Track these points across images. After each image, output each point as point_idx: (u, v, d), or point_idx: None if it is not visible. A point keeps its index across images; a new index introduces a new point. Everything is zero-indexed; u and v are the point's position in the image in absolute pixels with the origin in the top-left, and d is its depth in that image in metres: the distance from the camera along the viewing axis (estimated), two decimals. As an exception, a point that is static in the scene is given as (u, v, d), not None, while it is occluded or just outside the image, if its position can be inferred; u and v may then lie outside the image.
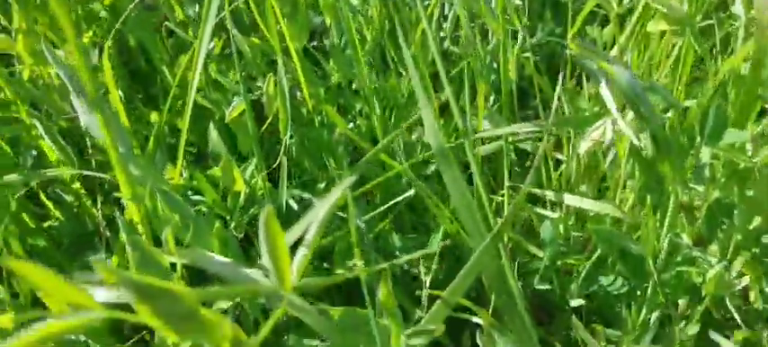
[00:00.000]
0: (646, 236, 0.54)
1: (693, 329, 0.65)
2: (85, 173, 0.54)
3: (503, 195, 0.64)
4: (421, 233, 0.69)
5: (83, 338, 0.51)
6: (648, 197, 0.54)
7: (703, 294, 0.60)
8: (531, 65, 0.70)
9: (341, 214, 0.61)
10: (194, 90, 0.50)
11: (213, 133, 0.56)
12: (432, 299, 0.66)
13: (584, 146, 0.57)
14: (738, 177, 0.56)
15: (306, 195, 0.58)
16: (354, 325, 0.48)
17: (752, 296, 0.64)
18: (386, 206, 0.57)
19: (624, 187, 0.59)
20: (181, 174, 0.53)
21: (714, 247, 0.62)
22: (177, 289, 0.28)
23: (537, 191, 0.63)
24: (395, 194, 0.65)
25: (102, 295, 0.32)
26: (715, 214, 0.60)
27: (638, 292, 0.64)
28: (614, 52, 0.67)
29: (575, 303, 0.68)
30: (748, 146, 0.51)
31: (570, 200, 0.60)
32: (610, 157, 0.59)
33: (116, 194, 0.57)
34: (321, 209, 0.35)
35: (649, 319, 0.65)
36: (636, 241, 0.57)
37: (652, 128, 0.52)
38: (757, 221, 0.61)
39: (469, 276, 0.44)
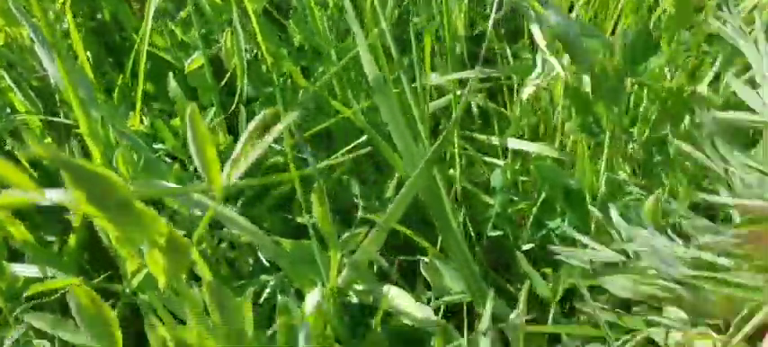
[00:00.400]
0: (581, 171, 0.57)
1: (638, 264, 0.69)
2: (51, 119, 0.57)
3: (454, 146, 0.67)
4: (380, 183, 0.72)
5: (51, 273, 0.54)
6: (583, 134, 0.57)
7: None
8: (486, 24, 0.73)
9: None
10: (148, 31, 0.53)
11: (172, 82, 0.59)
12: (394, 250, 0.70)
13: (526, 91, 0.61)
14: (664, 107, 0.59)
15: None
16: (301, 255, 0.52)
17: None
18: (341, 152, 0.61)
19: (563, 129, 0.62)
20: (142, 122, 0.57)
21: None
22: (113, 177, 0.32)
23: (482, 137, 0.66)
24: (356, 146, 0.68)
25: (52, 195, 0.35)
26: (650, 149, 0.64)
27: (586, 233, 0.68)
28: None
29: (526, 247, 0.71)
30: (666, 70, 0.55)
31: (513, 143, 0.63)
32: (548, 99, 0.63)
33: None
34: (251, 126, 0.38)
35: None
36: (575, 177, 0.60)
37: (583, 65, 0.55)
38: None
39: (404, 200, 0.48)
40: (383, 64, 0.54)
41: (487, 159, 0.69)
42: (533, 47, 0.71)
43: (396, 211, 0.48)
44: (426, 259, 0.59)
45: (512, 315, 0.47)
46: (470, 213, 0.77)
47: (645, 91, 0.55)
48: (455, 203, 0.73)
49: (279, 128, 0.40)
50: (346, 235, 0.45)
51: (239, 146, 0.37)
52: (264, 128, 0.39)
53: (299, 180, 0.52)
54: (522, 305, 0.47)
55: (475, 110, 0.79)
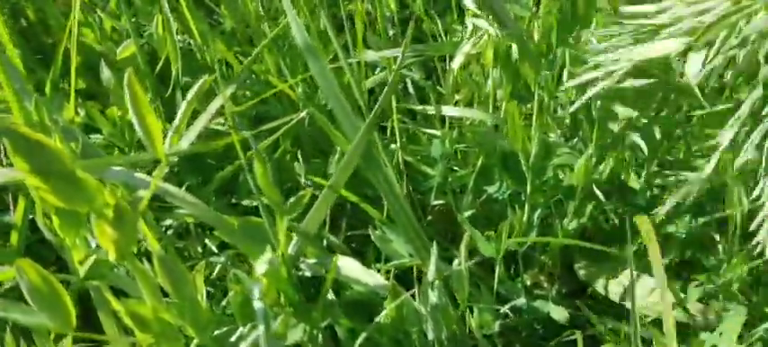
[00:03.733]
0: (513, 135, 0.60)
1: (573, 224, 0.72)
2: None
3: (393, 119, 0.69)
4: (324, 163, 0.73)
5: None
6: (513, 100, 0.60)
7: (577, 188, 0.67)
8: (416, 4, 0.75)
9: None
10: (76, 21, 0.52)
11: (105, 70, 0.59)
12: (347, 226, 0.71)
13: (456, 60, 0.63)
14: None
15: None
16: (250, 230, 0.53)
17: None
18: (278, 122, 0.61)
19: (495, 96, 0.65)
20: (77, 113, 0.56)
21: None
22: (56, 147, 0.32)
23: (418, 107, 0.68)
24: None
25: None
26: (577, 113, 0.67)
27: (521, 195, 0.71)
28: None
29: (467, 213, 0.74)
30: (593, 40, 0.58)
31: (447, 110, 0.65)
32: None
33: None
34: (190, 95, 0.39)
35: (533, 219, 0.71)
36: (507, 139, 0.63)
37: (508, 31, 0.58)
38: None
39: (348, 166, 0.49)
40: (315, 40, 0.56)
41: (427, 130, 0.71)
42: (463, 22, 0.73)
43: (340, 178, 0.49)
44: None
45: (454, 264, 0.49)
46: (414, 185, 0.79)
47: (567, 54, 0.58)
48: (398, 175, 0.74)
49: (219, 100, 0.41)
50: (292, 200, 0.46)
51: (179, 114, 0.37)
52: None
53: (262, 168, 0.52)
54: (463, 255, 0.49)
55: (413, 89, 0.81)
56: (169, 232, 0.64)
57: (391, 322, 0.57)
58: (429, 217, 0.79)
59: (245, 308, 0.46)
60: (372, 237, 0.57)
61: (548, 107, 0.66)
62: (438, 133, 0.69)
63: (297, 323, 0.48)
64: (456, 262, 0.50)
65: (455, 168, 0.76)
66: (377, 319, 0.52)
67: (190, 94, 0.38)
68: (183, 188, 0.65)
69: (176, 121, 0.36)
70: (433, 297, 0.50)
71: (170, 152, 0.35)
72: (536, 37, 0.60)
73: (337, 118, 0.51)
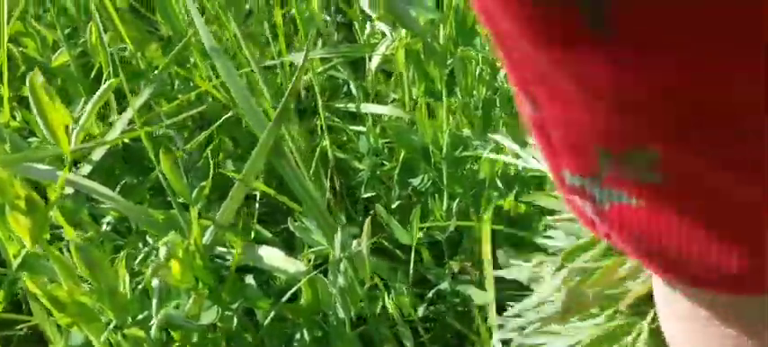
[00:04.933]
0: (422, 129, 0.65)
1: (488, 212, 0.77)
2: None
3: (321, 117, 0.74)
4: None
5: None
6: (424, 97, 0.65)
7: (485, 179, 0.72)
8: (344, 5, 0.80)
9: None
10: (5, 29, 0.57)
11: (37, 75, 0.63)
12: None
13: (374, 61, 0.68)
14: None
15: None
16: (168, 222, 0.57)
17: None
18: (209, 130, 0.66)
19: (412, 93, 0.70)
20: (13, 118, 0.60)
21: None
22: (-39, 145, 0.36)
23: (340, 105, 0.73)
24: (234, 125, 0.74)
25: None
26: (487, 107, 0.72)
27: (441, 186, 0.76)
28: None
29: (394, 205, 0.79)
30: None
31: (367, 107, 0.70)
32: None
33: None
34: (98, 94, 0.43)
35: (452, 207, 0.76)
36: (419, 134, 0.68)
37: (413, 32, 0.63)
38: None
39: (258, 158, 0.54)
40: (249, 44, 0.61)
41: (353, 127, 0.76)
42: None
43: (250, 172, 0.54)
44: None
45: (353, 244, 0.54)
46: (346, 180, 0.84)
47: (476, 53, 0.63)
48: (327, 171, 0.79)
49: (140, 99, 0.45)
50: (196, 190, 0.50)
51: (87, 109, 0.42)
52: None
53: (169, 162, 0.56)
54: (364, 238, 0.54)
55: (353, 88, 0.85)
56: (108, 227, 0.68)
57: (308, 304, 0.61)
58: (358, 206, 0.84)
59: (162, 294, 0.50)
60: (291, 227, 0.62)
61: (460, 104, 0.71)
62: (363, 129, 0.74)
63: (211, 304, 0.52)
64: (355, 242, 0.55)
65: (385, 161, 0.80)
66: (284, 301, 0.56)
67: (98, 93, 0.42)
68: (120, 186, 0.69)
69: (82, 120, 0.41)
70: (341, 278, 0.55)
71: (75, 148, 0.40)
72: (442, 38, 0.65)
73: (246, 117, 0.55)
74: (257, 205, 0.70)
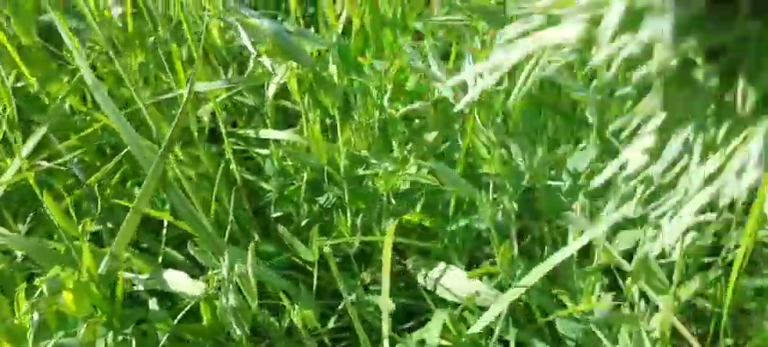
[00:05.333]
0: (315, 151, 0.69)
1: (387, 223, 0.82)
2: None
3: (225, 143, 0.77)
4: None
5: None
6: (314, 120, 0.69)
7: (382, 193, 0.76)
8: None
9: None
10: None
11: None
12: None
13: (270, 89, 0.72)
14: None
15: (44, 163, 0.69)
16: (60, 256, 0.60)
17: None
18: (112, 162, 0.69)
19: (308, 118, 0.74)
20: None
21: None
22: None
23: (239, 131, 0.77)
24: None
25: None
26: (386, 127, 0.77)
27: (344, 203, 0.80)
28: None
29: (304, 222, 0.83)
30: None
31: (265, 133, 0.74)
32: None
33: None
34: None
35: (356, 222, 0.81)
36: (316, 158, 0.72)
37: (302, 63, 0.67)
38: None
39: (146, 190, 0.57)
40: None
41: (258, 151, 0.79)
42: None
43: (140, 201, 0.57)
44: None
45: (241, 268, 0.57)
46: (256, 202, 0.87)
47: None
48: (237, 193, 0.83)
49: (37, 136, 0.48)
50: (83, 223, 0.54)
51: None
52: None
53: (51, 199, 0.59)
54: (250, 259, 0.58)
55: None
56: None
57: (209, 324, 0.65)
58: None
59: (58, 320, 0.53)
60: (192, 252, 0.65)
61: (355, 125, 0.75)
62: (267, 152, 0.78)
63: (106, 331, 0.56)
64: (238, 265, 0.58)
65: (294, 181, 0.84)
66: (188, 322, 0.60)
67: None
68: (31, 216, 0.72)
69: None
70: (232, 297, 0.58)
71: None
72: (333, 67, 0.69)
73: (132, 150, 0.59)
74: (165, 230, 0.73)
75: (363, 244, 0.83)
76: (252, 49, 0.60)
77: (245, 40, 0.60)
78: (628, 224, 0.72)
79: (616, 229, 0.71)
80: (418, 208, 0.84)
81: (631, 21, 0.23)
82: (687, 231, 0.63)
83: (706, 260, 0.76)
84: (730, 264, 0.72)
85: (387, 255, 0.65)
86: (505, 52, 0.28)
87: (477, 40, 0.71)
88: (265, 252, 0.87)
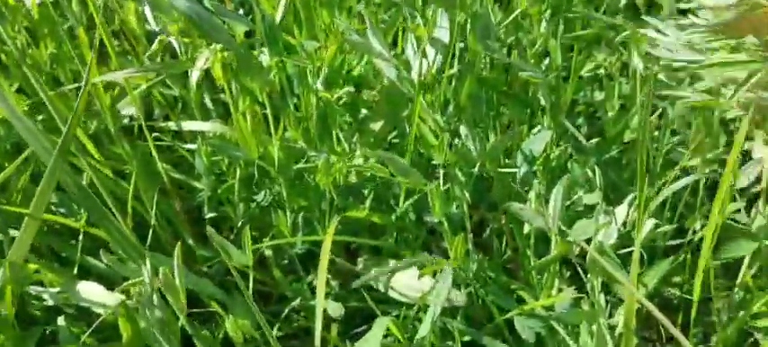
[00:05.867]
0: (243, 143, 0.62)
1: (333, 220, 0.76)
2: None
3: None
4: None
5: None
6: (243, 108, 0.63)
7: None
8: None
9: None
10: None
11: None
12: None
13: (194, 76, 0.65)
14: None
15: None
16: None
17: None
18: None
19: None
20: None
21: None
22: None
23: (161, 124, 0.69)
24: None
25: None
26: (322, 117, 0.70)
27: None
28: None
29: (240, 223, 0.76)
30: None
31: (187, 125, 0.67)
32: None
33: None
34: None
35: (297, 220, 0.74)
36: (242, 149, 0.65)
37: (222, 43, 0.60)
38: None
39: (45, 191, 0.50)
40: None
41: (183, 146, 0.72)
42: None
43: (37, 206, 0.50)
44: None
45: (160, 272, 0.51)
46: (190, 202, 0.80)
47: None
48: (165, 194, 0.75)
49: None
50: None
51: None
52: None
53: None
54: (176, 264, 0.51)
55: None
56: None
57: (129, 339, 0.58)
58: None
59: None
60: (105, 260, 0.58)
61: (289, 115, 0.69)
62: (194, 147, 0.71)
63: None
64: (162, 270, 0.51)
65: (225, 178, 0.77)
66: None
67: None
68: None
69: None
70: (157, 310, 0.51)
71: None
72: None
73: (33, 149, 0.51)
74: (81, 237, 0.65)
75: (310, 243, 0.76)
76: (154, 26, 0.53)
77: (148, 15, 0.53)
78: (587, 211, 0.67)
79: (575, 218, 0.66)
80: (368, 202, 0.78)
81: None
82: (647, 217, 0.58)
83: (672, 242, 0.72)
84: (697, 249, 0.68)
85: (324, 258, 0.59)
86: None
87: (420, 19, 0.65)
88: (202, 256, 0.80)
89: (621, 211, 0.56)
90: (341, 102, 0.73)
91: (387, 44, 0.69)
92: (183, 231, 0.79)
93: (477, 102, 0.70)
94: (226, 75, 0.63)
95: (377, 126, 0.77)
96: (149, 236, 0.65)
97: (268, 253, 0.76)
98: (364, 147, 0.73)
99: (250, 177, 0.73)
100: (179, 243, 0.53)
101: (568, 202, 0.66)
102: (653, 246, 0.72)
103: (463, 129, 0.64)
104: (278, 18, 0.66)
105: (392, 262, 0.77)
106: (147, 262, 0.52)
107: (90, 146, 0.65)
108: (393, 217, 0.75)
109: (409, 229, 0.78)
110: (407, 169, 0.63)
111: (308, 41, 0.62)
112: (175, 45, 0.57)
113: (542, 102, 0.72)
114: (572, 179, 0.66)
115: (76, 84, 0.63)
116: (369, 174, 0.74)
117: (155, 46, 0.56)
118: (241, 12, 0.67)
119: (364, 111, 0.76)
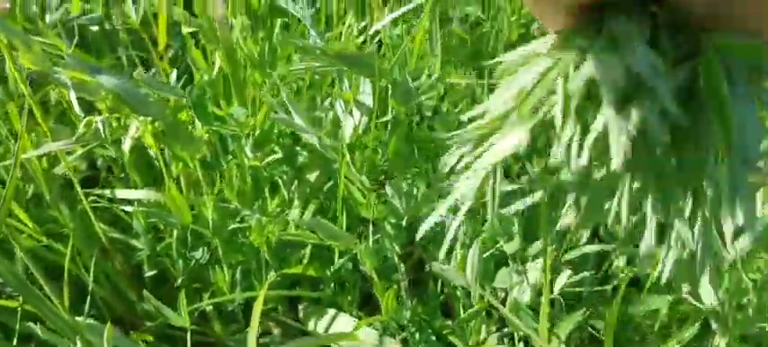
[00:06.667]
0: (175, 208, 0.65)
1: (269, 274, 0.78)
2: None
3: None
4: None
5: None
6: (176, 173, 0.64)
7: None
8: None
9: None
10: None
11: None
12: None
13: (126, 144, 0.67)
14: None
15: None
16: None
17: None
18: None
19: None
20: None
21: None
22: None
23: (96, 191, 0.71)
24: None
25: None
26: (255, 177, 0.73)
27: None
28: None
29: (180, 281, 0.77)
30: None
31: (120, 193, 0.69)
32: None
33: None
34: None
35: (236, 275, 0.77)
36: (175, 215, 0.67)
37: (150, 116, 0.62)
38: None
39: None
40: None
41: (123, 209, 0.74)
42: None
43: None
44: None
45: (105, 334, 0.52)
46: (129, 257, 0.82)
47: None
48: (105, 253, 0.77)
49: None
50: None
51: None
52: None
53: None
54: (107, 331, 0.53)
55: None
56: None
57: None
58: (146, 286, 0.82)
59: None
60: (40, 333, 0.59)
61: (225, 174, 0.71)
62: (130, 210, 0.73)
63: None
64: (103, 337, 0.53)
65: (163, 236, 0.79)
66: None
67: None
68: None
69: None
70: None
71: None
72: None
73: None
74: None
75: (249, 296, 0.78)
76: (78, 110, 0.55)
77: (73, 100, 0.55)
78: (506, 259, 0.71)
79: (497, 265, 0.70)
80: (307, 253, 0.80)
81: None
82: (561, 269, 0.62)
83: (591, 289, 0.76)
84: (615, 289, 0.72)
85: (256, 316, 0.61)
86: (466, 182, 0.28)
87: (347, 84, 0.68)
88: (146, 312, 0.82)
89: (534, 272, 0.60)
90: (275, 159, 0.76)
91: (316, 105, 0.72)
92: (124, 288, 0.80)
93: (403, 158, 0.73)
94: (157, 144, 0.65)
95: (312, 176, 0.79)
96: (87, 302, 0.67)
97: (209, 308, 0.78)
98: (300, 200, 0.76)
99: (187, 236, 0.75)
100: (109, 324, 0.55)
101: (490, 251, 0.69)
102: (577, 292, 0.75)
103: (389, 189, 0.67)
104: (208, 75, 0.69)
105: (331, 311, 0.80)
106: (77, 342, 0.54)
107: (24, 216, 0.66)
108: (330, 270, 0.78)
109: (347, 278, 0.80)
110: (337, 233, 0.66)
111: (237, 109, 0.65)
112: (102, 124, 0.59)
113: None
114: (493, 229, 0.70)
115: (8, 162, 0.64)
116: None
117: (81, 129, 0.58)
118: (176, 71, 0.69)
119: (303, 155, 0.78)
